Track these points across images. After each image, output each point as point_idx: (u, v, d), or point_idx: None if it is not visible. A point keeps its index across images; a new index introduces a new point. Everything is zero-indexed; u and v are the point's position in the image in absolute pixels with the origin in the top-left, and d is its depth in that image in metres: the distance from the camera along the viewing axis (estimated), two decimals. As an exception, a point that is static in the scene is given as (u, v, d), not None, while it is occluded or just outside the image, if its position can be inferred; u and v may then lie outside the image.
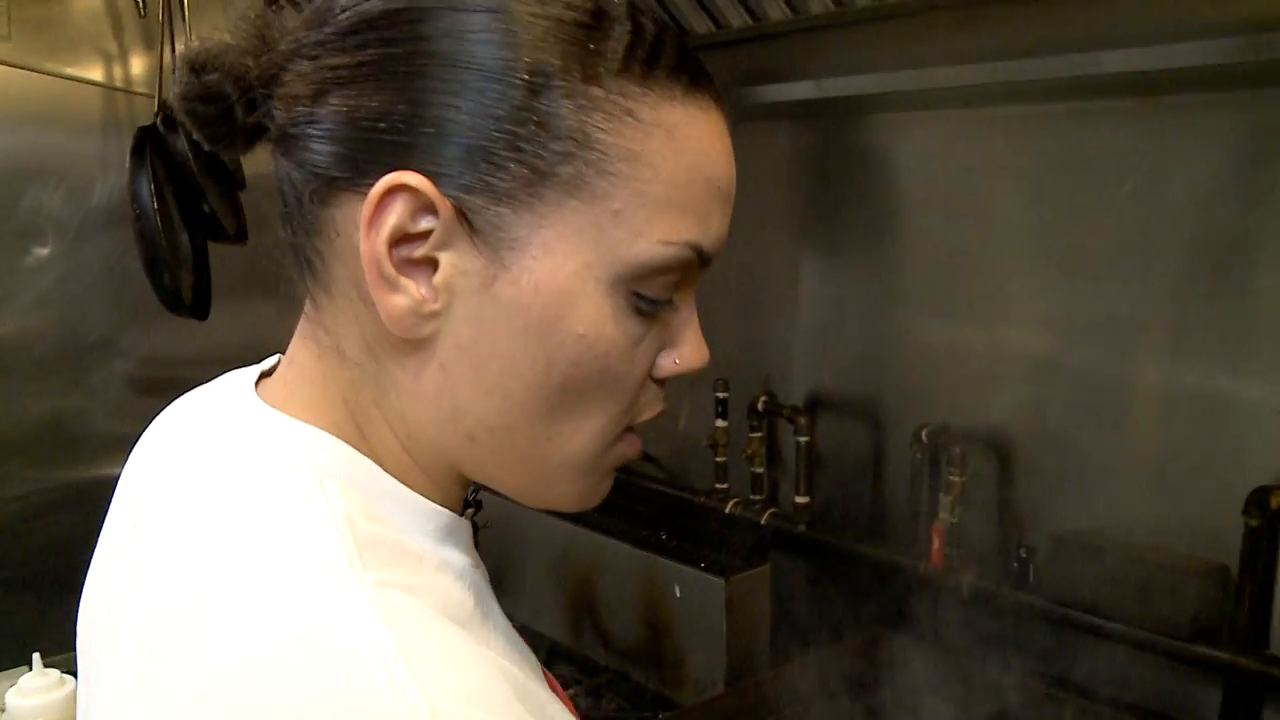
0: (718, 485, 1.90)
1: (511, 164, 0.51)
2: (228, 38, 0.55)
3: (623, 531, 1.85)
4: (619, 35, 0.53)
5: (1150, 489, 1.41)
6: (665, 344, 0.58)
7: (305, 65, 0.54)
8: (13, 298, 1.97)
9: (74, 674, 1.43)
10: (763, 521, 1.80)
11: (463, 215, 0.51)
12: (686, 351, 0.59)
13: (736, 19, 1.55)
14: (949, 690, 1.51)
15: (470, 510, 0.62)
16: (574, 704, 0.56)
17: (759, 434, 1.84)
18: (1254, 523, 1.26)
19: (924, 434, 1.60)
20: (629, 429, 0.59)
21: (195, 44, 0.55)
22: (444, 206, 0.51)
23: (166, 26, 1.89)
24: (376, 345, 0.55)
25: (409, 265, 0.52)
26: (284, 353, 0.63)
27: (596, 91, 0.52)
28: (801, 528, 1.77)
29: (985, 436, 1.57)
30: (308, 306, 0.58)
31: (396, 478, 0.56)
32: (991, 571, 1.54)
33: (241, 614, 0.48)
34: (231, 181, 1.83)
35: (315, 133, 0.53)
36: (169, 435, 0.62)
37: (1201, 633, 1.30)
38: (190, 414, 0.62)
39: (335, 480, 0.53)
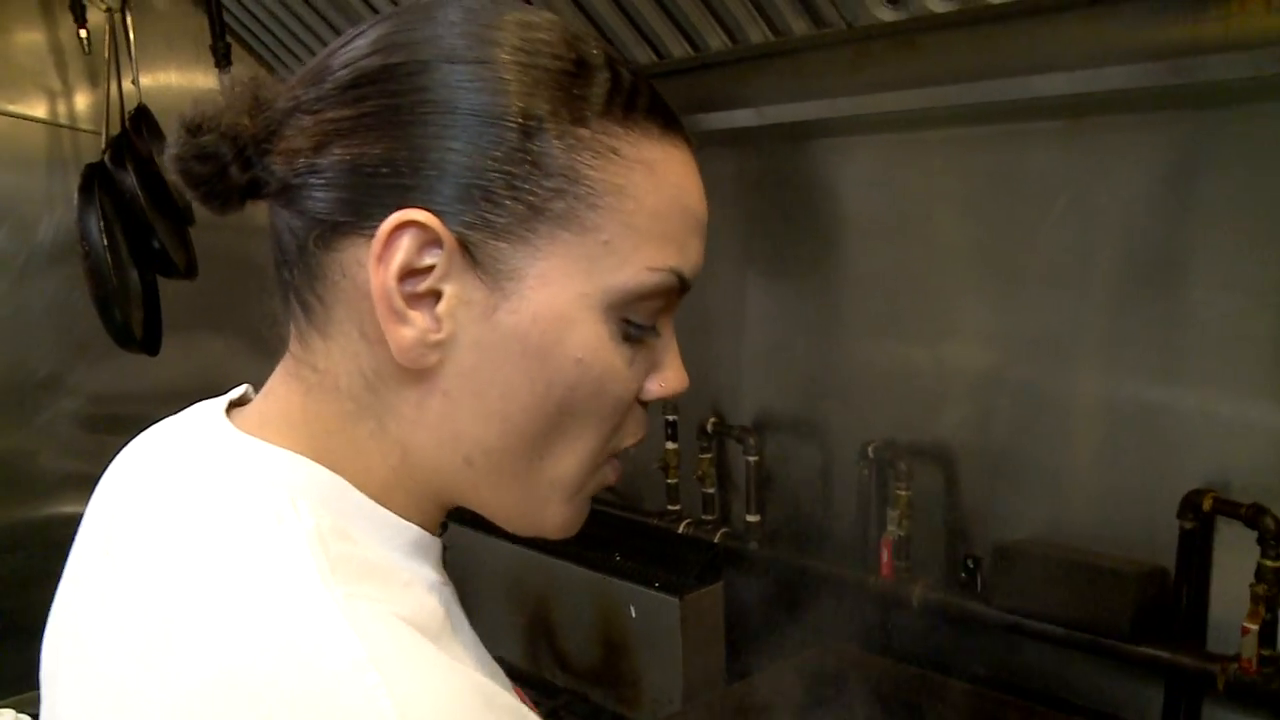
0: (670, 507, 1.93)
1: (508, 201, 0.55)
2: (221, 100, 0.58)
3: (576, 554, 1.86)
4: (601, 81, 0.57)
5: (1090, 496, 1.45)
6: (650, 369, 0.62)
7: (306, 120, 0.57)
8: (-42, 336, 1.95)
9: (28, 714, 1.43)
10: (715, 540, 1.83)
11: (465, 249, 0.55)
12: (669, 375, 0.63)
13: (678, 49, 1.59)
14: (902, 699, 1.54)
15: (441, 530, 0.64)
16: (535, 726, 0.59)
17: (709, 455, 1.86)
18: (1188, 525, 1.30)
19: (870, 450, 1.63)
20: (613, 455, 0.63)
21: (190, 108, 0.58)
22: (449, 240, 0.54)
23: (112, 63, 1.90)
24: (377, 379, 0.58)
25: (415, 298, 0.55)
26: (242, 384, 0.66)
27: (583, 132, 0.56)
28: (753, 545, 1.79)
29: (930, 451, 1.60)
30: (294, 347, 0.61)
31: (375, 499, 0.59)
32: (940, 582, 1.57)
33: (216, 629, 0.50)
34: (181, 218, 1.84)
35: (318, 181, 0.56)
36: (138, 462, 0.64)
37: (1143, 633, 1.34)
38: (160, 441, 0.64)
39: (307, 499, 0.55)
